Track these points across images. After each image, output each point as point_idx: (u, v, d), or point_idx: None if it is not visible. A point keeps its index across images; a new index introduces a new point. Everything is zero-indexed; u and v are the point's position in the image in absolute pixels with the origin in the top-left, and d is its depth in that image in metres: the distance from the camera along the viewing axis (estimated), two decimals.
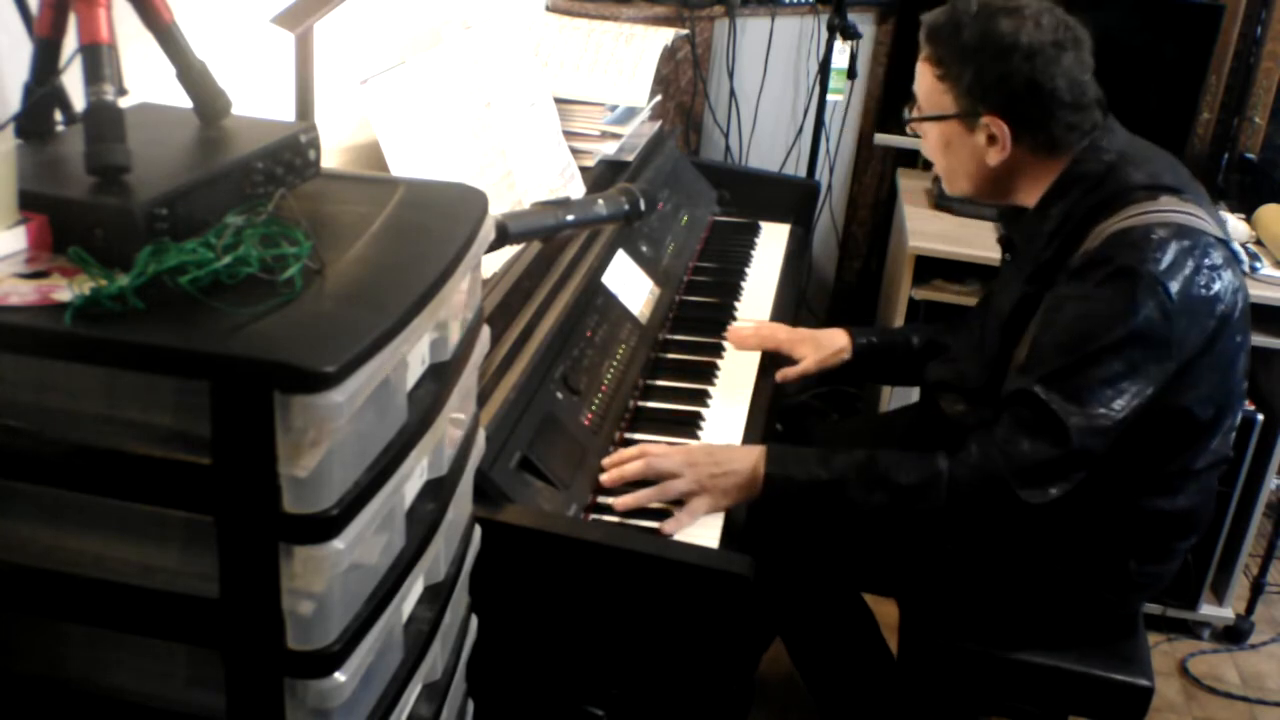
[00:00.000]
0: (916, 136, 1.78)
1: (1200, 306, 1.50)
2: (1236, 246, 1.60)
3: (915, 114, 1.72)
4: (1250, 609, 2.66)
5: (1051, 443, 1.48)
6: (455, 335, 1.05)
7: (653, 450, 1.54)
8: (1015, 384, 1.53)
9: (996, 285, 1.79)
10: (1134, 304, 1.47)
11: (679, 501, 1.50)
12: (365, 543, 0.88)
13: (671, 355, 1.91)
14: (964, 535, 1.64)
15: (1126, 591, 1.68)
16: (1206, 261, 1.50)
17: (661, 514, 1.49)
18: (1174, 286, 1.47)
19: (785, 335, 1.98)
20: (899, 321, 2.59)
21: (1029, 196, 1.68)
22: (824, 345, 1.97)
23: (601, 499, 1.50)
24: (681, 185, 2.38)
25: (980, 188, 1.71)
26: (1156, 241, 1.49)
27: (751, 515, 1.54)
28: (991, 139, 1.63)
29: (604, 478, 1.51)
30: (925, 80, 1.68)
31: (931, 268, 2.54)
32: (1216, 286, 1.51)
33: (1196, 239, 1.51)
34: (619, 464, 1.52)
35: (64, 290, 0.82)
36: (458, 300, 1.05)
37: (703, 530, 1.46)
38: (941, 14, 1.65)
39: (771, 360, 1.95)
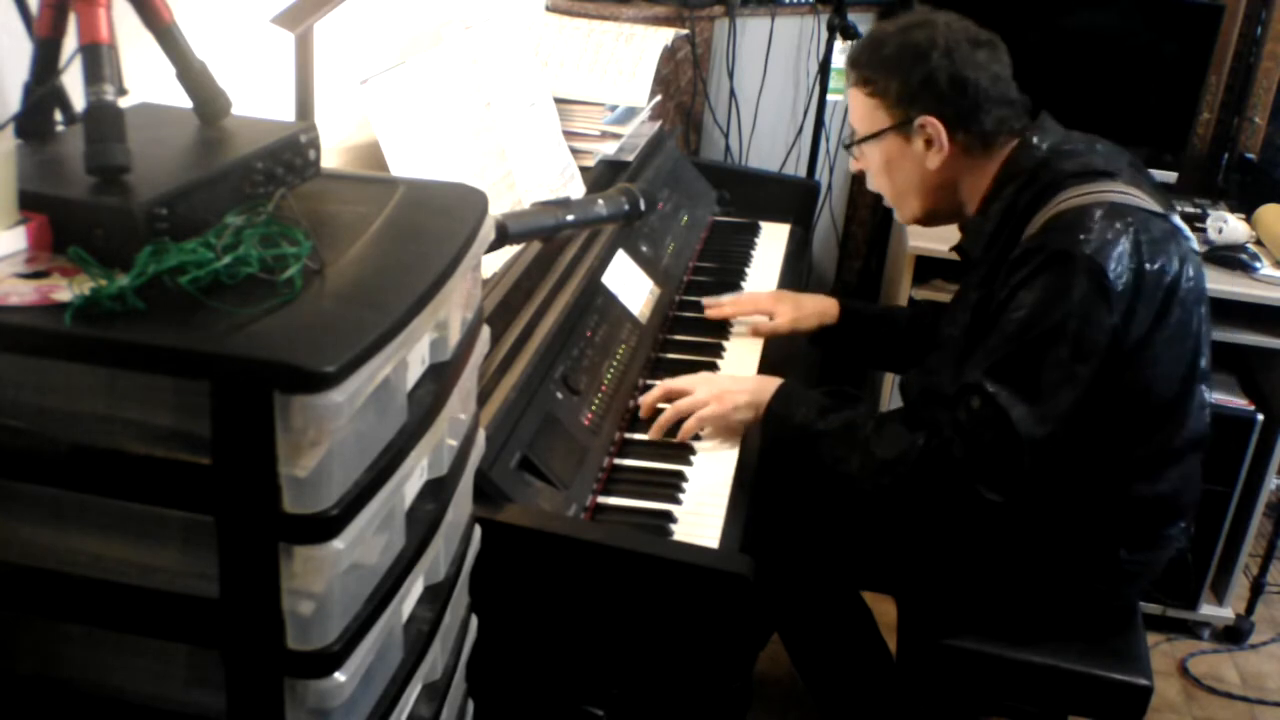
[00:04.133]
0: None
1: (1145, 281, 1.52)
2: (1178, 221, 1.61)
3: (853, 140, 1.77)
4: (1250, 609, 2.66)
5: (999, 435, 1.51)
6: (455, 335, 1.05)
7: (675, 379, 1.71)
8: (967, 376, 1.56)
9: (959, 294, 1.80)
10: (1071, 286, 1.49)
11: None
12: (365, 543, 0.88)
13: (671, 355, 1.91)
14: (923, 515, 1.69)
15: (1117, 582, 1.69)
16: (1144, 236, 1.53)
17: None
18: (1111, 265, 1.49)
19: (767, 296, 2.03)
20: None
21: (974, 205, 1.72)
22: (803, 306, 2.01)
23: (602, 499, 1.50)
24: (681, 185, 2.38)
25: (928, 201, 1.76)
26: (1089, 223, 1.52)
27: (751, 515, 1.54)
28: (929, 142, 1.68)
29: (642, 412, 1.68)
30: (857, 105, 1.75)
31: (931, 268, 2.54)
32: (1160, 260, 1.53)
33: (1130, 215, 1.53)
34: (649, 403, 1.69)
35: (64, 290, 0.82)
36: (458, 300, 1.05)
37: (703, 530, 1.46)
38: (859, 43, 1.75)
39: (771, 362, 1.95)
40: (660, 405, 1.69)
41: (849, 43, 2.71)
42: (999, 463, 1.52)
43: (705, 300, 2.03)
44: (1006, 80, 1.68)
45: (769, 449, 1.70)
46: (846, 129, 1.79)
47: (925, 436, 1.56)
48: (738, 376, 1.78)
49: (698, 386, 1.69)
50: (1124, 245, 1.51)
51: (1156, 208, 1.58)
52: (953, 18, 1.69)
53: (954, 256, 1.84)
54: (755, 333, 1.98)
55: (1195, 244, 1.67)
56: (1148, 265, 1.52)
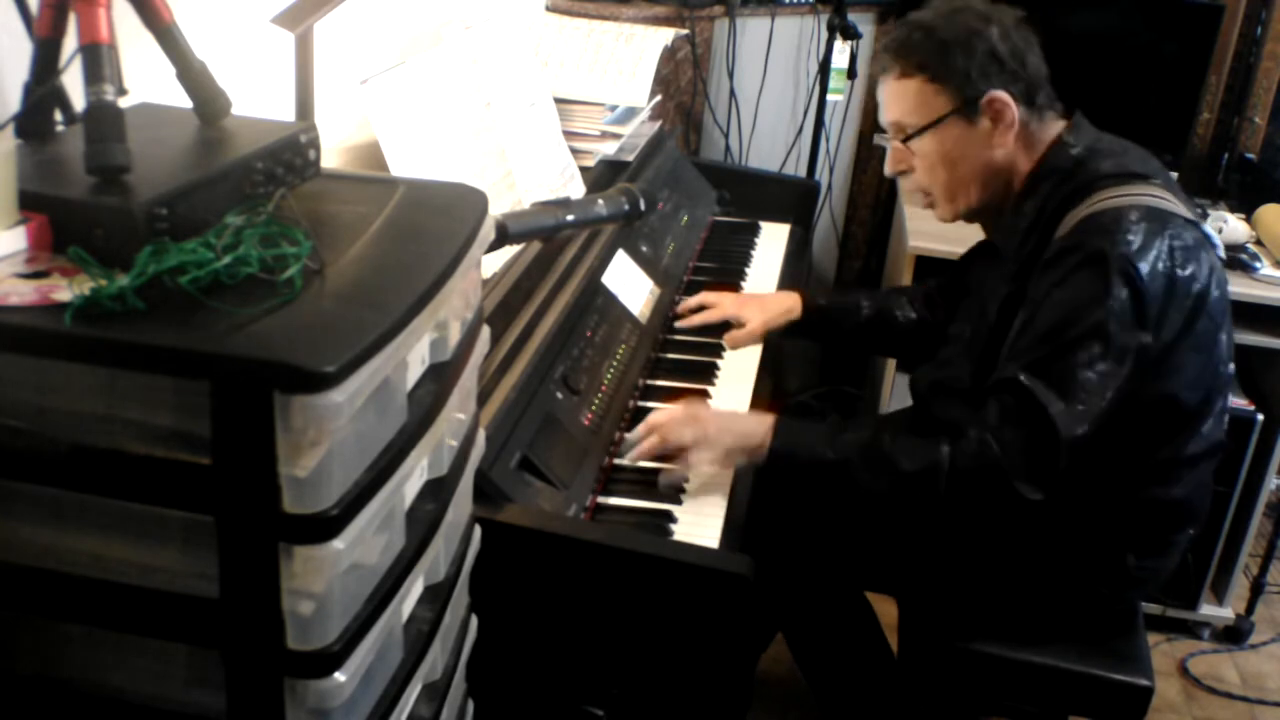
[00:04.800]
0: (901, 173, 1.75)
1: (1176, 287, 1.52)
2: (1208, 229, 1.61)
3: (907, 134, 1.69)
4: (1250, 609, 2.66)
5: (1036, 430, 1.49)
6: (455, 335, 1.05)
7: (661, 421, 1.58)
8: (1001, 373, 1.55)
9: (983, 289, 1.78)
10: (1108, 287, 1.49)
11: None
12: (365, 543, 0.88)
13: (671, 355, 1.91)
14: (962, 523, 1.64)
15: (1124, 587, 1.69)
16: (1178, 243, 1.52)
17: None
18: (1145, 267, 1.49)
19: (731, 302, 2.02)
20: None
21: (1011, 200, 1.71)
22: (770, 307, 2.02)
23: (602, 499, 1.50)
24: (681, 185, 2.38)
25: (985, 190, 1.70)
26: (1125, 224, 1.51)
27: (751, 515, 1.54)
28: (995, 119, 1.65)
29: (626, 459, 1.59)
30: (909, 96, 1.68)
31: (931, 268, 2.53)
32: (1191, 267, 1.53)
33: (1166, 220, 1.53)
34: (636, 445, 1.59)
35: (64, 290, 0.82)
36: (458, 300, 1.05)
37: (703, 530, 1.46)
38: (902, 30, 1.68)
39: (772, 360, 1.95)
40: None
41: (849, 42, 2.71)
42: (1037, 459, 1.49)
43: (680, 309, 2.02)
44: (1042, 64, 1.68)
45: (768, 485, 1.65)
46: (889, 128, 1.73)
47: (949, 440, 1.52)
48: (725, 418, 1.64)
49: (684, 431, 1.57)
50: (1158, 249, 1.50)
51: (1189, 214, 1.58)
52: (989, 7, 1.68)
53: (954, 256, 1.84)
54: (733, 344, 1.95)
55: (1222, 252, 1.67)
56: (1179, 271, 1.51)
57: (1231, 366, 1.65)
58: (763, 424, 1.60)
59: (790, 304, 2.03)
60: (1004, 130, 1.65)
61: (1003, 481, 1.49)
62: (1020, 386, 1.50)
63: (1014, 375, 1.51)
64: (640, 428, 1.60)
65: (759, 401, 1.80)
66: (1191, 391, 1.57)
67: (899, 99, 1.69)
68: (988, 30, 1.64)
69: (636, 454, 1.58)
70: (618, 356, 1.75)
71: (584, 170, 2.08)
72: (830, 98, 2.81)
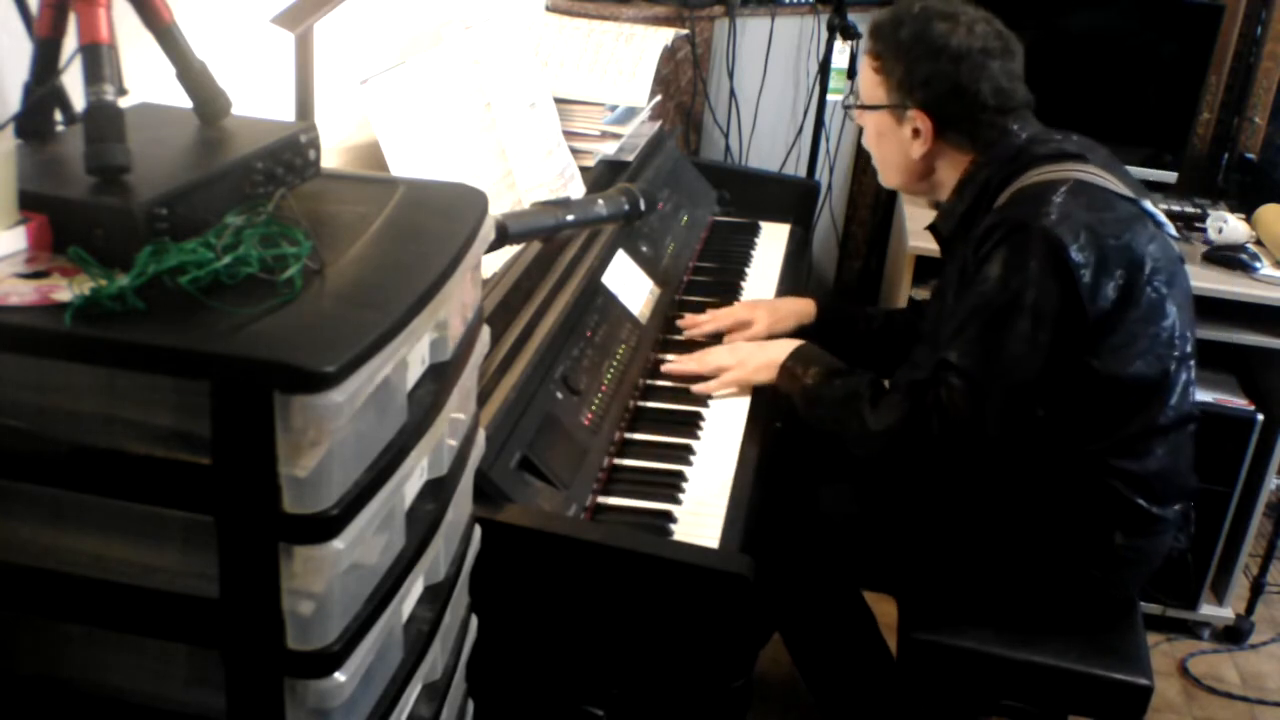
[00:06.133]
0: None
1: (1107, 257, 1.54)
2: (1150, 206, 1.66)
3: (853, 102, 1.83)
4: (1250, 609, 2.66)
5: (971, 407, 1.54)
6: (455, 335, 1.05)
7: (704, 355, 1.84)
8: (939, 352, 1.60)
9: (939, 284, 1.85)
10: (1027, 259, 1.53)
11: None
12: (365, 543, 0.88)
13: (671, 355, 1.91)
14: (914, 479, 1.74)
15: (1115, 568, 1.68)
16: (1109, 214, 1.56)
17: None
18: (1068, 238, 1.52)
19: (743, 306, 2.04)
20: None
21: (951, 188, 1.76)
22: (779, 309, 2.03)
23: (602, 499, 1.50)
24: (681, 185, 2.38)
25: (908, 180, 1.81)
26: (1051, 197, 1.56)
27: (751, 515, 1.54)
28: (916, 132, 1.72)
29: (665, 368, 1.83)
30: (866, 73, 1.79)
31: (931, 268, 2.54)
32: (1125, 237, 1.56)
33: (1094, 193, 1.57)
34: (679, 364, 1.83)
35: (64, 290, 0.82)
36: (458, 300, 1.05)
37: (703, 530, 1.46)
38: (886, 13, 1.77)
39: None
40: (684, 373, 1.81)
41: (849, 43, 2.71)
42: (969, 436, 1.56)
43: (681, 323, 1.98)
44: (1011, 90, 1.69)
45: (779, 404, 1.79)
46: (855, 84, 1.87)
47: (909, 410, 1.60)
48: (762, 343, 1.88)
49: (725, 358, 1.81)
50: (1083, 219, 1.54)
51: (1126, 191, 1.62)
52: (978, 16, 1.71)
53: (934, 245, 1.88)
54: (730, 341, 1.94)
55: (1171, 229, 1.70)
56: (1110, 240, 1.55)
57: (1191, 339, 1.66)
58: (786, 345, 1.80)
59: (803, 308, 2.04)
60: (919, 144, 1.73)
61: (937, 456, 1.59)
62: (954, 366, 1.55)
63: (945, 355, 1.57)
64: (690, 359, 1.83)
65: (759, 401, 1.80)
66: (1148, 363, 1.59)
67: (861, 70, 1.82)
68: (940, 54, 1.67)
69: (674, 370, 1.81)
70: (618, 356, 1.75)
71: (584, 170, 2.08)
72: (830, 98, 2.81)
